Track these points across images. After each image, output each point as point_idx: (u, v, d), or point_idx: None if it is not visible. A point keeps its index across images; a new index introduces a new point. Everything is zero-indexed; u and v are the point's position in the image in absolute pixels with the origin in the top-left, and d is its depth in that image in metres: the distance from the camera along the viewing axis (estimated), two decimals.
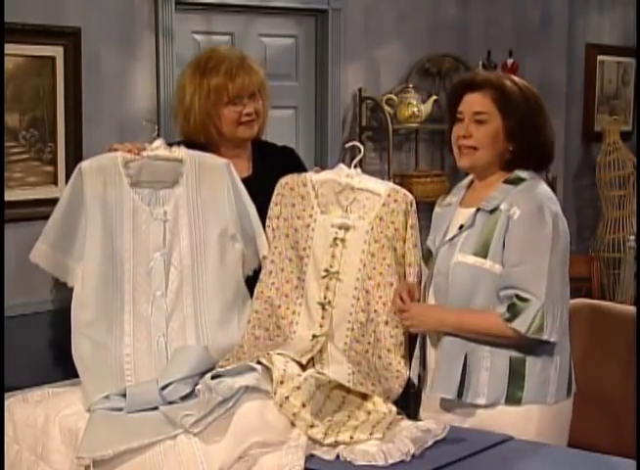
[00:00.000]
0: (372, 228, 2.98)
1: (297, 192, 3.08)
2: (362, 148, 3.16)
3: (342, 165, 3.09)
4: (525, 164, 2.75)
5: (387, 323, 2.94)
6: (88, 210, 2.99)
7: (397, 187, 3.04)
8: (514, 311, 2.62)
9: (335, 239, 3.01)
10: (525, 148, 2.73)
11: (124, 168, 3.03)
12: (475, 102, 2.74)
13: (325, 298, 3.00)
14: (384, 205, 2.98)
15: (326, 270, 3.01)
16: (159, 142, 3.09)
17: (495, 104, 2.72)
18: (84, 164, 3.03)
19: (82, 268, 2.98)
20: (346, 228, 3.01)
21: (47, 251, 3.03)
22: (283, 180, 3.12)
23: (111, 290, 2.99)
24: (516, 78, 2.81)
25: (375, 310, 2.96)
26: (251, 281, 3.14)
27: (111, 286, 3.00)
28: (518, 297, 2.62)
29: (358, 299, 2.98)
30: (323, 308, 3.00)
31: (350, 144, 3.34)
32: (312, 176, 3.09)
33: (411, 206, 3.00)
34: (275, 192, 3.11)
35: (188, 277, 3.06)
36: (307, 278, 3.03)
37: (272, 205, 3.11)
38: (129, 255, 3.02)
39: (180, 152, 3.10)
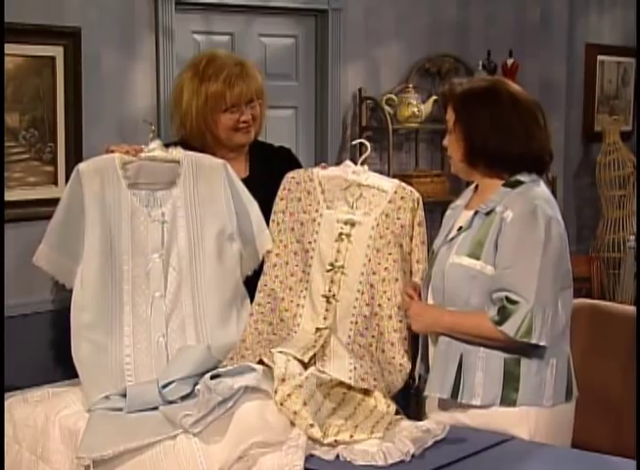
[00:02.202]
0: (377, 224, 3.00)
1: (303, 187, 3.10)
2: (369, 145, 3.15)
3: (348, 162, 3.11)
4: (481, 168, 2.76)
5: (390, 317, 2.96)
6: (87, 211, 2.99)
7: (404, 184, 3.07)
8: (504, 314, 2.62)
9: (340, 234, 3.03)
10: (471, 151, 2.74)
11: (122, 170, 3.03)
12: (447, 114, 2.82)
13: (330, 291, 3.02)
14: (390, 201, 3.01)
15: (331, 264, 3.02)
16: (156, 143, 3.09)
17: (454, 111, 2.78)
18: (82, 166, 3.03)
19: (81, 270, 2.98)
20: (352, 224, 3.03)
21: (49, 253, 3.03)
22: (289, 174, 3.14)
23: (110, 291, 2.99)
24: (488, 82, 2.82)
25: (379, 305, 2.97)
26: (250, 281, 3.14)
27: (110, 287, 2.99)
28: (508, 299, 2.62)
29: (363, 293, 2.99)
30: (327, 301, 3.01)
31: (357, 142, 3.34)
32: (319, 172, 3.11)
33: (418, 203, 3.03)
34: (281, 186, 3.13)
35: (186, 278, 3.06)
36: (312, 271, 3.05)
37: (277, 199, 3.12)
38: (128, 256, 3.02)
39: (177, 153, 3.10)
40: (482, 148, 2.73)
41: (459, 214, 2.84)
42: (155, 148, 3.08)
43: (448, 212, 2.93)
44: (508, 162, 2.74)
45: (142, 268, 3.03)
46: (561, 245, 2.68)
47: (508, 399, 2.68)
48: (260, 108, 3.35)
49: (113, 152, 3.07)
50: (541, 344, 2.63)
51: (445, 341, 2.73)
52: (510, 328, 2.61)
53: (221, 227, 3.09)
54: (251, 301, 3.13)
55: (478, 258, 2.68)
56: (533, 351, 2.67)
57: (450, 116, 2.79)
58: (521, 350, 2.67)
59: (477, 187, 2.88)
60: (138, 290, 3.02)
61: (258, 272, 3.15)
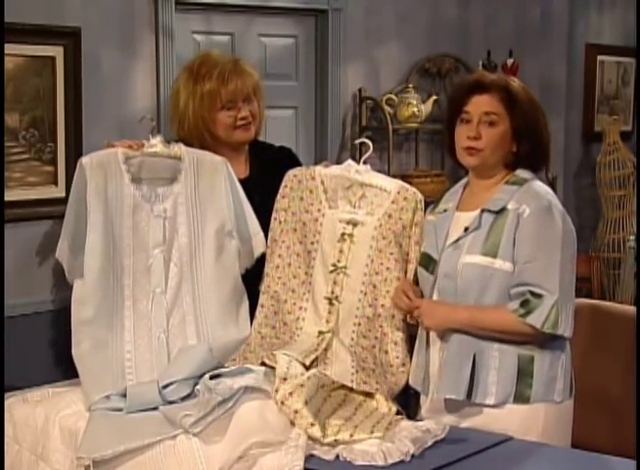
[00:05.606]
0: (380, 225, 2.99)
1: (305, 185, 3.08)
2: (371, 144, 3.14)
3: (351, 161, 3.09)
4: (527, 164, 2.79)
5: (393, 316, 2.95)
6: (90, 205, 2.98)
7: (407, 185, 3.05)
8: (528, 307, 2.64)
9: (343, 234, 3.02)
10: (530, 148, 2.77)
11: (125, 165, 3.03)
12: (484, 103, 2.76)
13: (332, 292, 3.01)
14: (393, 202, 3.00)
15: (334, 265, 3.01)
16: (157, 139, 3.09)
17: (503, 105, 2.75)
18: (84, 160, 3.01)
19: (83, 264, 2.97)
20: (354, 224, 3.02)
21: (66, 249, 3.01)
22: (291, 173, 3.12)
23: (111, 286, 2.99)
24: (516, 80, 2.85)
25: (382, 305, 2.96)
26: (245, 279, 3.13)
27: (111, 282, 2.99)
28: (531, 293, 2.64)
29: (365, 293, 2.99)
30: (330, 303, 3.01)
31: (359, 141, 3.33)
32: (321, 170, 3.09)
33: (419, 204, 3.01)
34: (283, 184, 3.11)
35: (187, 274, 3.06)
36: (315, 273, 3.04)
37: (279, 197, 3.10)
38: (129, 251, 3.02)
39: (178, 149, 3.10)
40: (538, 148, 2.79)
41: (452, 217, 2.83)
42: (156, 143, 3.08)
43: (432, 218, 2.90)
44: (546, 161, 2.85)
45: (143, 263, 3.03)
46: (574, 239, 2.73)
47: (522, 397, 2.69)
48: (258, 103, 3.33)
49: (114, 147, 3.06)
50: (565, 335, 2.67)
51: (458, 340, 2.72)
52: (536, 320, 2.62)
53: (221, 223, 3.09)
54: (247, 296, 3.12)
55: (494, 256, 2.68)
56: (547, 346, 2.69)
57: (496, 107, 2.74)
58: (537, 344, 2.68)
59: (464, 187, 2.88)
60: (139, 285, 3.02)
61: (251, 270, 3.15)
